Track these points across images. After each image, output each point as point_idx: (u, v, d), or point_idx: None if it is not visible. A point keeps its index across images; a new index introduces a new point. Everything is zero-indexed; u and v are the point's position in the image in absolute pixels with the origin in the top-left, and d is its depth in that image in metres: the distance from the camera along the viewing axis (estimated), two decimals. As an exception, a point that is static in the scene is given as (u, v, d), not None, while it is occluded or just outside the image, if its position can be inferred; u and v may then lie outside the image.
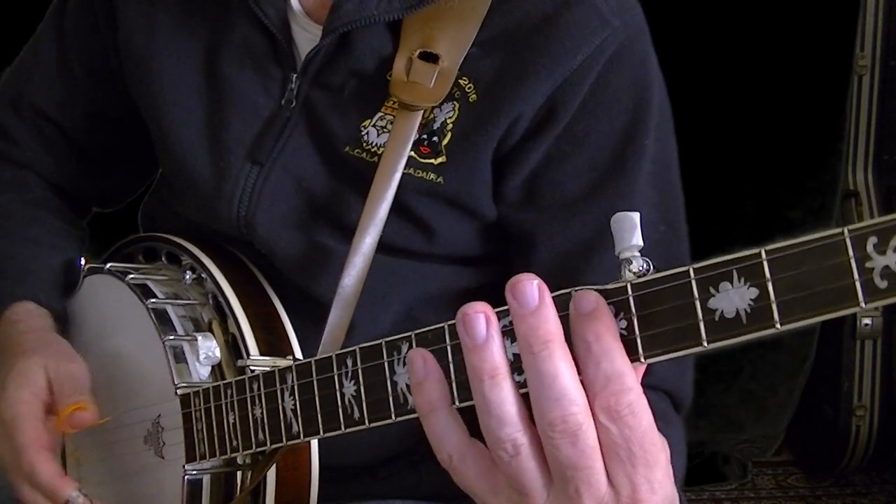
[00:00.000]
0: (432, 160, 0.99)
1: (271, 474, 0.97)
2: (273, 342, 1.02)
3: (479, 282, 1.07)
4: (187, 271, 1.08)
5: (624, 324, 0.64)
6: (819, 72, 2.23)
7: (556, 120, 0.98)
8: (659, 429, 0.69)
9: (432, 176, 0.99)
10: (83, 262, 1.13)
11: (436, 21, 0.99)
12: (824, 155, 2.27)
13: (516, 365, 0.64)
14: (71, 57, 1.21)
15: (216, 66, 1.07)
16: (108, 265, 1.10)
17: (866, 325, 2.32)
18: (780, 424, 2.43)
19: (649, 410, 0.62)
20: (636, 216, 0.66)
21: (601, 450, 0.61)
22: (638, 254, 0.65)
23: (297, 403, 0.84)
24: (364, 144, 1.01)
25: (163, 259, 1.13)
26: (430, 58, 0.98)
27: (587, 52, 0.97)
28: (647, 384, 1.02)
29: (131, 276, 1.07)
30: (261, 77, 1.06)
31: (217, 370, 1.01)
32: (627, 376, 0.61)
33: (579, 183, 1.00)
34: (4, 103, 1.24)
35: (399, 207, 1.00)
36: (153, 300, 1.03)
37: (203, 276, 1.06)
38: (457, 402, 0.67)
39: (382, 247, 0.99)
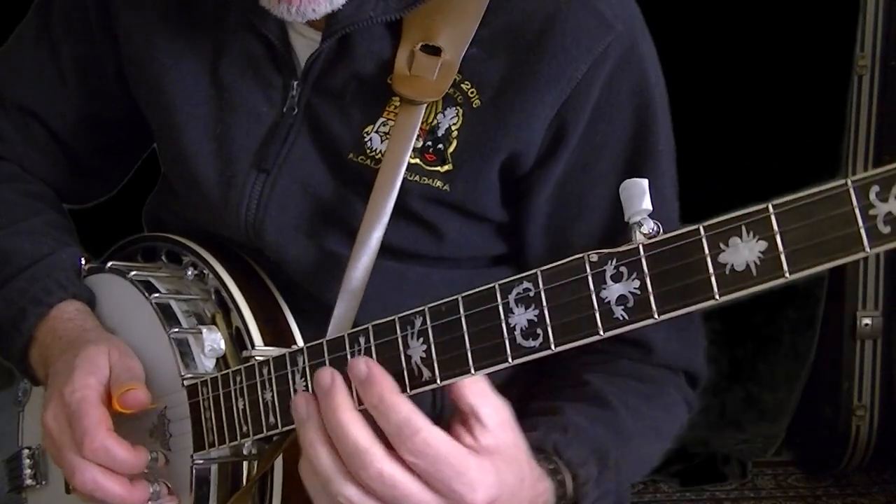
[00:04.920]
0: (438, 167, 0.99)
1: (278, 465, 0.96)
2: (277, 334, 1.01)
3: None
4: (189, 268, 1.07)
5: (637, 283, 0.65)
6: (819, 72, 2.23)
7: (570, 133, 0.98)
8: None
9: (439, 183, 0.99)
10: (83, 262, 1.12)
11: (436, 14, 0.99)
12: (824, 155, 2.27)
13: None
14: (62, 61, 1.19)
15: (219, 75, 1.07)
16: (110, 264, 1.09)
17: (866, 325, 2.31)
18: (780, 424, 2.43)
19: (442, 436, 0.77)
20: (644, 182, 0.68)
21: (424, 479, 0.77)
22: (648, 217, 0.66)
23: (309, 384, 0.84)
24: (368, 151, 1.00)
25: (163, 258, 1.12)
26: (432, 51, 0.98)
27: (591, 59, 0.96)
28: (660, 363, 1.02)
29: (133, 272, 1.06)
30: (262, 85, 1.06)
31: (222, 362, 1.00)
32: (413, 420, 0.76)
33: (605, 187, 1.00)
34: None
35: (406, 213, 1.00)
36: (157, 294, 1.02)
37: (205, 272, 1.06)
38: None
39: (391, 252, 0.99)
